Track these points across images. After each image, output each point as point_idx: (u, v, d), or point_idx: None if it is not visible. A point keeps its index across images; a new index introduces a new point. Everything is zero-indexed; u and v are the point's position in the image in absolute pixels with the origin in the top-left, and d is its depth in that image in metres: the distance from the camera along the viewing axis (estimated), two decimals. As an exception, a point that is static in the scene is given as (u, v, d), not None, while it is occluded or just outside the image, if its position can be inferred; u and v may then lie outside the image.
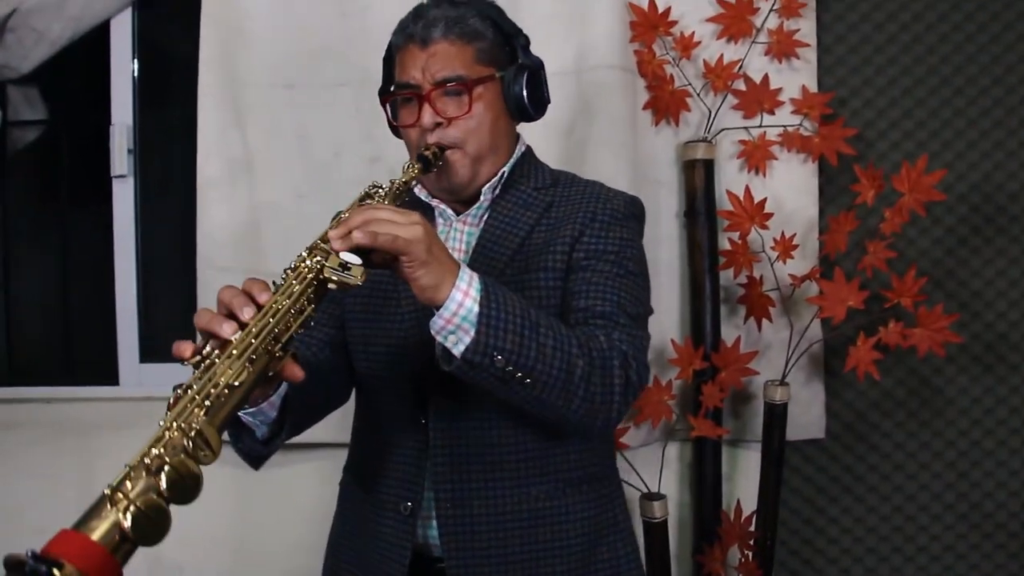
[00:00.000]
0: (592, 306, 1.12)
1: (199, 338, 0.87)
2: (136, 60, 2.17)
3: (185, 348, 0.84)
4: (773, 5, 1.92)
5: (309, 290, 0.88)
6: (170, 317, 2.25)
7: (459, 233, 1.24)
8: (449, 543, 1.15)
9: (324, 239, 0.93)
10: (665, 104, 1.95)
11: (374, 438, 1.26)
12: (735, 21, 1.93)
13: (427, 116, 1.16)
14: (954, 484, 2.04)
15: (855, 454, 2.03)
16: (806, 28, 1.95)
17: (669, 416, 1.88)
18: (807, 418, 1.98)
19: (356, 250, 0.90)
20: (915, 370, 2.01)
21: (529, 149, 1.32)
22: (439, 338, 0.98)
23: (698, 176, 1.94)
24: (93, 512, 0.62)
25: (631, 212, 1.24)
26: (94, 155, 2.18)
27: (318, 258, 0.90)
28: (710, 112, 1.95)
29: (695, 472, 2.00)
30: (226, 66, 1.97)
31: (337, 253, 0.90)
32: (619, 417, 1.08)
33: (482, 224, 1.23)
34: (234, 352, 0.79)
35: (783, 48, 1.93)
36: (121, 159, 2.15)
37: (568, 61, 1.92)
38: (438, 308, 0.95)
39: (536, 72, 1.24)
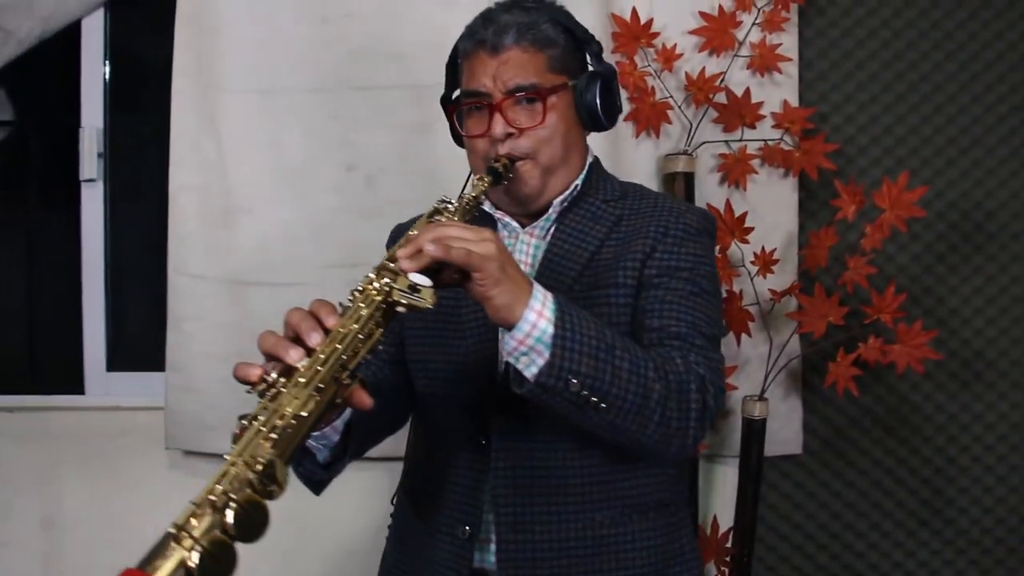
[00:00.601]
0: (667, 326, 1.07)
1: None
2: (107, 62, 2.13)
3: (252, 372, 0.80)
4: (756, 19, 1.92)
5: (377, 313, 0.84)
6: (139, 325, 2.20)
7: (525, 246, 1.20)
8: (508, 569, 1.11)
9: (391, 259, 0.89)
10: (646, 116, 1.93)
11: (431, 459, 1.21)
12: (717, 34, 1.92)
13: (498, 126, 1.12)
14: (929, 501, 2.03)
15: (832, 470, 2.02)
16: (788, 42, 1.94)
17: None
18: (785, 434, 1.97)
19: (426, 271, 0.87)
20: (893, 387, 2.01)
21: (597, 160, 1.28)
22: (510, 359, 0.94)
23: (678, 189, 1.92)
24: (158, 551, 0.58)
25: (704, 227, 1.19)
26: (63, 158, 2.13)
27: (386, 280, 0.86)
28: (691, 125, 1.93)
29: (672, 487, 1.98)
30: (201, 70, 1.94)
31: (406, 274, 0.86)
32: (695, 443, 1.03)
33: (549, 237, 1.19)
34: (301, 380, 0.76)
35: (765, 62, 1.93)
36: (91, 163, 2.10)
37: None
38: (510, 328, 0.92)
39: (609, 80, 1.20)
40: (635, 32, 1.91)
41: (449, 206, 1.05)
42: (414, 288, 0.86)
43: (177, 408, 1.96)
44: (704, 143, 1.94)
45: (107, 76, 2.13)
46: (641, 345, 1.04)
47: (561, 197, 1.19)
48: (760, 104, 1.92)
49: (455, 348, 1.16)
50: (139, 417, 2.06)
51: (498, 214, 1.22)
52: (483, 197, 1.09)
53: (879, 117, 2.01)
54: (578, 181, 1.21)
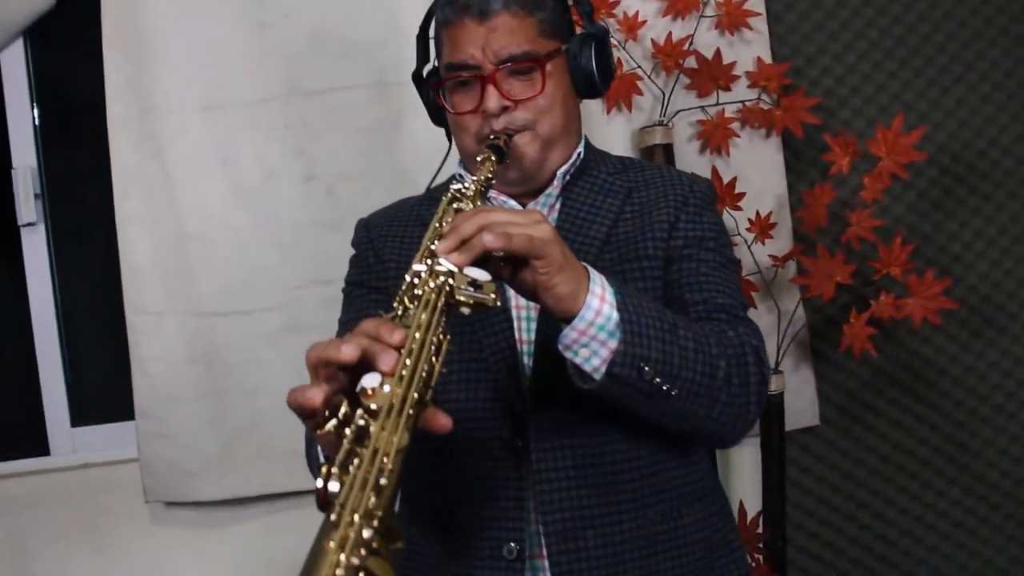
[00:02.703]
0: (711, 298, 1.02)
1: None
2: (34, 95, 1.97)
3: (314, 395, 0.67)
4: (717, -25, 1.82)
5: (441, 318, 0.74)
6: (100, 372, 2.05)
7: None
8: None
9: (430, 256, 0.79)
10: (615, 89, 1.82)
11: (456, 477, 1.06)
12: (680, -4, 1.83)
13: (493, 100, 1.03)
14: (955, 456, 1.95)
15: (852, 437, 1.93)
16: (754, -3, 1.85)
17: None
18: (799, 406, 1.87)
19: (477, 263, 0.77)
20: (903, 343, 1.92)
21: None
22: (568, 354, 0.87)
23: (658, 162, 1.81)
24: None
25: (714, 196, 1.16)
26: (-3, 202, 1.98)
27: (442, 279, 0.75)
28: (664, 94, 1.83)
29: (689, 477, 1.87)
30: (136, 93, 1.80)
31: (461, 269, 0.76)
32: (755, 419, 0.98)
33: (556, 213, 1.09)
34: (390, 405, 0.63)
35: (733, 20, 1.83)
36: (28, 205, 1.94)
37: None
38: (569, 318, 0.84)
39: (604, 41, 1.11)
40: (594, 2, 1.80)
41: (465, 193, 0.94)
42: (475, 284, 0.76)
43: (152, 458, 1.81)
44: (679, 112, 1.84)
45: (35, 111, 1.98)
46: None
47: (564, 168, 1.10)
48: (733, 64, 1.83)
49: (467, 345, 1.04)
50: (112, 472, 1.90)
51: (492, 192, 1.10)
52: (491, 178, 0.99)
53: (855, 65, 1.92)
54: (580, 150, 1.13)
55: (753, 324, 1.02)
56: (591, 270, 0.86)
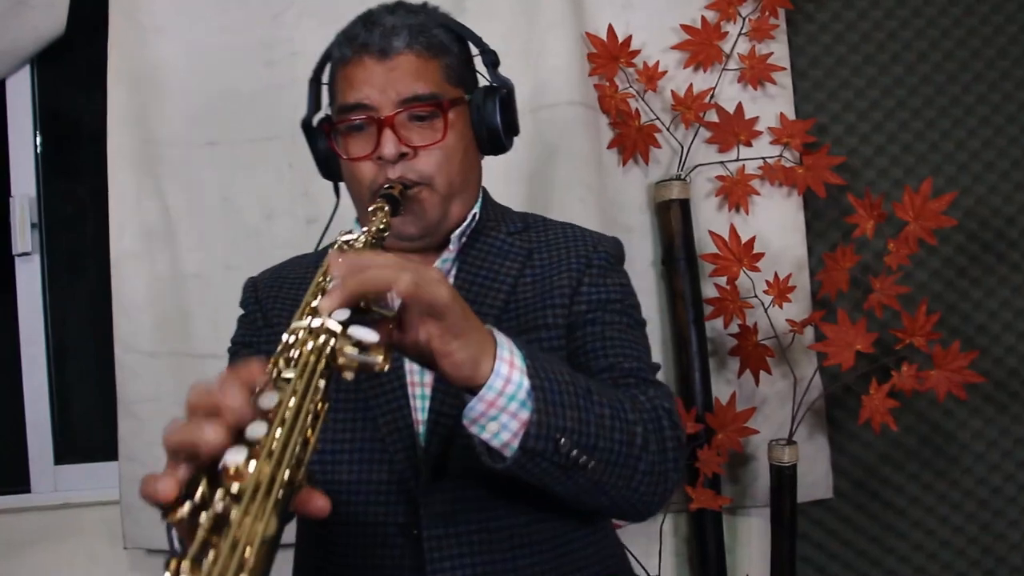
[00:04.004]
0: (618, 363, 0.96)
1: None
2: (37, 125, 1.93)
3: (166, 486, 0.53)
4: (742, 28, 1.77)
5: (321, 383, 0.61)
6: (88, 410, 1.97)
7: None
8: None
9: (312, 313, 0.66)
10: (632, 141, 1.77)
11: (345, 566, 0.96)
12: (702, 47, 1.77)
13: (390, 145, 0.94)
14: (977, 538, 1.85)
15: (868, 513, 1.83)
16: (779, 51, 1.80)
17: (663, 488, 1.67)
18: (812, 478, 1.78)
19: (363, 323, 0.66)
20: (924, 415, 1.83)
21: (486, 189, 1.13)
22: (474, 428, 0.77)
23: (674, 218, 1.75)
24: None
25: (620, 254, 1.09)
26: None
27: (323, 338, 0.64)
28: (682, 147, 1.77)
29: (695, 547, 1.78)
30: (139, 125, 1.75)
31: (346, 330, 0.64)
32: (675, 487, 0.91)
33: (451, 279, 1.01)
34: (255, 487, 0.51)
35: (756, 73, 1.77)
36: (24, 235, 1.89)
37: (523, 99, 1.72)
38: (473, 388, 0.74)
39: (509, 95, 1.04)
40: (613, 51, 1.75)
41: (354, 242, 0.86)
42: (361, 345, 0.64)
43: (134, 502, 1.73)
44: (698, 166, 1.78)
45: (38, 140, 1.93)
46: None
47: (460, 230, 1.03)
48: (755, 119, 1.77)
49: (361, 420, 0.95)
50: (93, 513, 1.84)
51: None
52: (384, 229, 0.90)
53: (882, 124, 1.86)
54: (476, 210, 1.05)
55: (665, 387, 0.96)
56: (496, 332, 0.77)
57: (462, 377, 0.74)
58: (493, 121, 1.02)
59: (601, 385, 0.87)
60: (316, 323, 0.65)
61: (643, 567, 1.70)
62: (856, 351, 1.58)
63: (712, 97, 1.76)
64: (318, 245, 1.19)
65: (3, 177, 1.91)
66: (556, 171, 1.74)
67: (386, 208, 0.91)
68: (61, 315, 1.95)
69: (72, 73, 1.95)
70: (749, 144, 1.77)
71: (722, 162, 1.78)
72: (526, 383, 0.76)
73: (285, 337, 0.66)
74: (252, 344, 1.07)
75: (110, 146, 1.74)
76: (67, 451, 1.94)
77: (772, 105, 1.80)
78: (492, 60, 1.05)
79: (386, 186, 0.95)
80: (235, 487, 0.52)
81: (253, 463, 0.53)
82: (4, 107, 1.91)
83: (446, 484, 0.91)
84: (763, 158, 1.77)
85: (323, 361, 0.63)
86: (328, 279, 0.73)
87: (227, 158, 1.78)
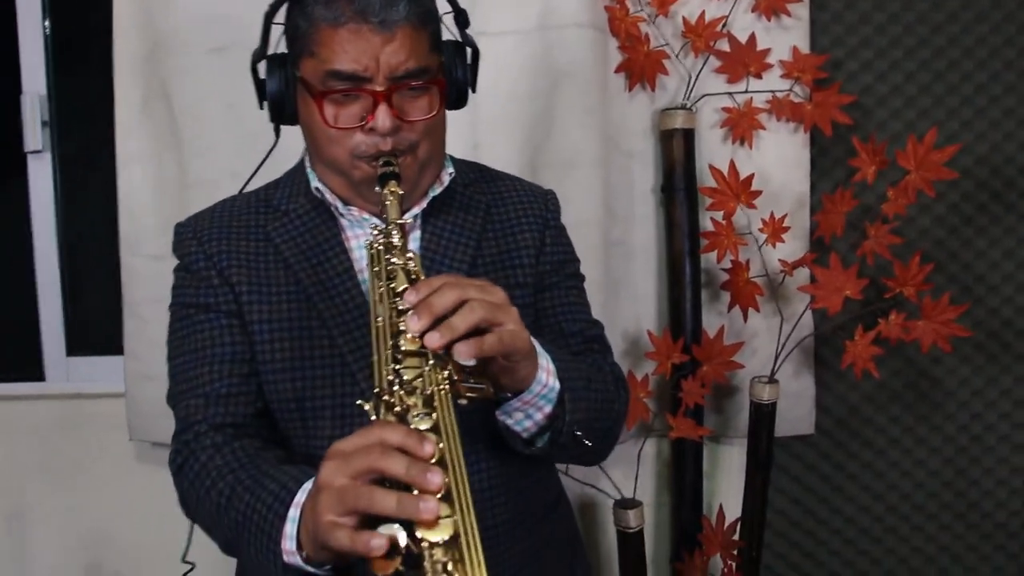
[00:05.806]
0: (583, 330, 1.08)
1: None
2: (48, 20, 1.93)
3: (375, 543, 0.61)
4: (761, -46, 1.71)
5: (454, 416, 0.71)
6: (98, 305, 2.04)
7: None
8: None
9: (396, 347, 0.76)
10: (640, 67, 1.74)
11: None
12: (718, -27, 1.72)
13: (387, 119, 0.92)
14: (952, 482, 1.88)
15: (847, 451, 1.87)
16: (798, -19, 1.74)
17: (646, 416, 1.71)
18: (795, 413, 1.81)
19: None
20: (912, 360, 1.84)
21: None
22: (504, 417, 0.89)
23: (677, 147, 1.74)
24: None
25: (559, 208, 1.15)
26: (5, 128, 1.95)
27: (447, 372, 0.74)
28: (690, 76, 1.74)
29: (674, 473, 1.84)
30: (145, 29, 1.73)
31: (452, 359, 0.75)
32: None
33: (417, 232, 1.03)
34: (463, 534, 0.61)
35: (772, 4, 1.72)
36: (35, 132, 1.92)
37: (530, 19, 1.70)
38: (514, 393, 0.86)
39: (476, 56, 1.04)
40: (629, -27, 1.70)
41: (393, 240, 0.88)
42: (468, 373, 0.76)
43: (138, 397, 1.80)
44: (705, 96, 1.75)
45: (48, 35, 1.94)
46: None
47: (440, 191, 1.05)
48: (767, 51, 1.73)
49: (334, 373, 0.98)
50: (102, 405, 1.92)
51: (354, 209, 1.02)
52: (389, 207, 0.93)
53: (900, 63, 1.80)
54: (451, 169, 1.07)
55: (610, 346, 1.12)
56: (535, 342, 0.85)
57: (512, 387, 0.84)
58: (464, 80, 1.02)
59: (590, 367, 0.98)
60: (429, 353, 0.74)
61: (618, 489, 1.76)
62: (845, 297, 1.58)
63: (725, 26, 1.72)
64: (244, 187, 1.18)
65: (14, 74, 1.92)
66: (561, 94, 1.71)
67: (397, 188, 0.92)
68: (72, 213, 1.99)
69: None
70: (759, 76, 1.73)
71: (730, 93, 1.75)
72: (558, 387, 0.87)
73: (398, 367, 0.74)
74: (212, 307, 1.01)
75: (116, 50, 1.73)
76: (79, 343, 2.01)
77: (786, 37, 1.75)
78: (464, 20, 1.03)
79: (384, 161, 0.94)
80: (437, 538, 0.60)
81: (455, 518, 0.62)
82: (14, 3, 1.91)
83: None
84: (772, 92, 1.73)
85: (448, 393, 0.72)
86: (384, 280, 0.83)
87: (236, 64, 1.76)
